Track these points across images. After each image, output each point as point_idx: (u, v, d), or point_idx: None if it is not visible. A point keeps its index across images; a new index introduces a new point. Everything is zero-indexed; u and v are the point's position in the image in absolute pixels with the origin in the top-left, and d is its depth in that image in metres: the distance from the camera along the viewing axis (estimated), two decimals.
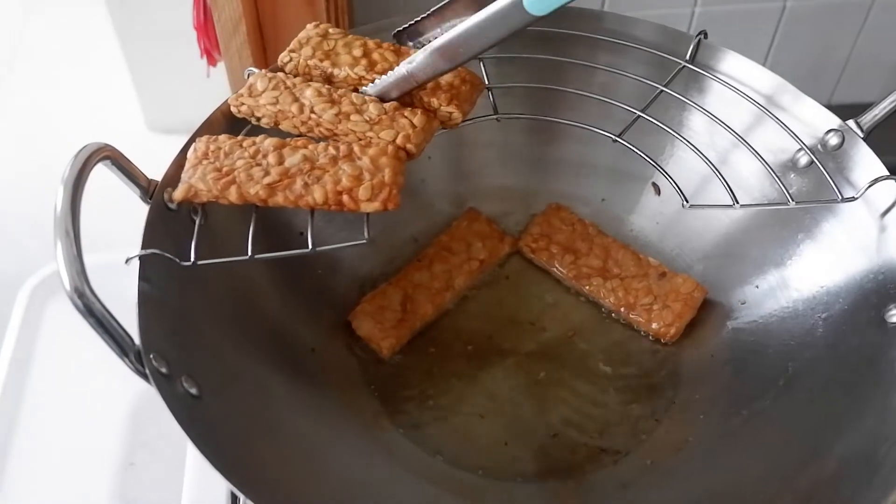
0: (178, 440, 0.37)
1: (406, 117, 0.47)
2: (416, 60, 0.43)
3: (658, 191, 0.58)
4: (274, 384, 0.46)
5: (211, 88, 0.82)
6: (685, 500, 0.44)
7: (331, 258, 0.55)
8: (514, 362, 0.54)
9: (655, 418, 0.50)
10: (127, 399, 0.63)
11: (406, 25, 0.49)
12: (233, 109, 0.48)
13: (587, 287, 0.55)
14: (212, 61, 0.80)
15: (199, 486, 0.53)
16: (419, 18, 0.48)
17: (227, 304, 0.47)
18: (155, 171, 0.46)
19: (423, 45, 0.44)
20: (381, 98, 0.46)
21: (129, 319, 0.39)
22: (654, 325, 0.53)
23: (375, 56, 0.48)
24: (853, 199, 0.46)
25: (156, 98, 0.93)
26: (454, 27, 0.41)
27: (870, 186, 0.45)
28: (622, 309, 0.54)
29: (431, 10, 0.46)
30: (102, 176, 0.44)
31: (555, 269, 0.57)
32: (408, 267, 0.57)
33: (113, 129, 0.95)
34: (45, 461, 0.59)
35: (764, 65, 0.88)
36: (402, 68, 0.44)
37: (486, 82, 0.51)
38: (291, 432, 0.44)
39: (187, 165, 0.45)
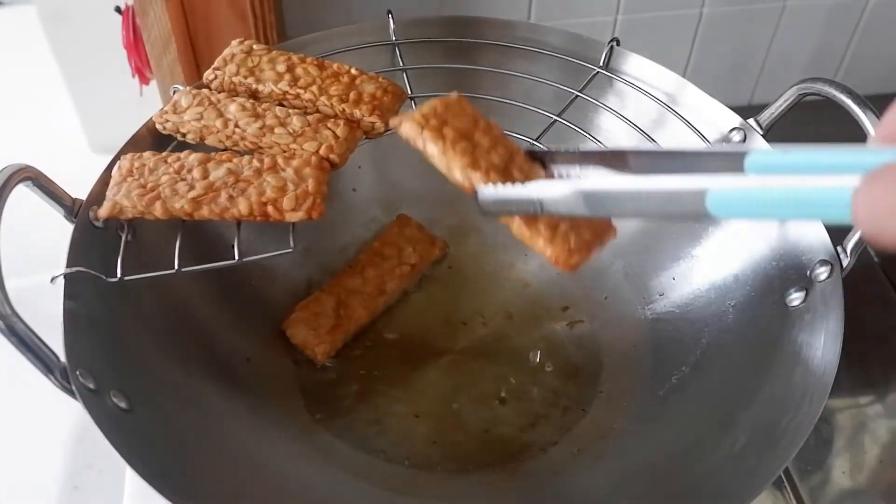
0: (122, 460, 0.38)
1: (329, 129, 0.48)
2: (553, 191, 0.34)
3: None
4: (209, 394, 0.47)
5: (148, 107, 0.82)
6: (610, 482, 0.46)
7: (265, 268, 0.56)
8: (447, 361, 0.55)
9: (582, 408, 0.52)
10: (71, 420, 0.63)
11: (548, 150, 0.40)
12: (158, 126, 0.49)
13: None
14: (143, 80, 0.81)
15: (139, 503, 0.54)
16: (564, 150, 0.39)
17: (160, 318, 0.48)
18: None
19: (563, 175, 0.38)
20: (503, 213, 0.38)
21: (57, 340, 0.40)
22: (557, 248, 0.38)
23: (299, 71, 0.50)
24: None
25: (97, 119, 0.93)
26: (608, 178, 0.34)
27: None
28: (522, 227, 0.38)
29: (582, 148, 0.37)
30: (29, 197, 0.44)
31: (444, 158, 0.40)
32: (341, 273, 0.58)
33: (55, 151, 0.94)
34: None
35: (686, 68, 0.92)
36: (533, 192, 0.35)
37: (409, 92, 0.53)
38: (227, 441, 0.45)
39: (112, 183, 0.45)
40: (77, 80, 0.89)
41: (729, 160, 0.29)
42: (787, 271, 0.47)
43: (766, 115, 0.50)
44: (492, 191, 0.37)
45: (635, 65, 0.56)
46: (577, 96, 0.54)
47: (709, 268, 0.53)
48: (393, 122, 0.42)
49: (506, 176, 0.38)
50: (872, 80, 0.97)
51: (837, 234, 0.46)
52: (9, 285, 0.57)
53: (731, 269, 0.51)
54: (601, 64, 0.56)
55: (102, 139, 0.94)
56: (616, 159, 0.35)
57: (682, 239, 0.55)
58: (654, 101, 0.53)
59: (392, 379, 0.54)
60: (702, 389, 0.48)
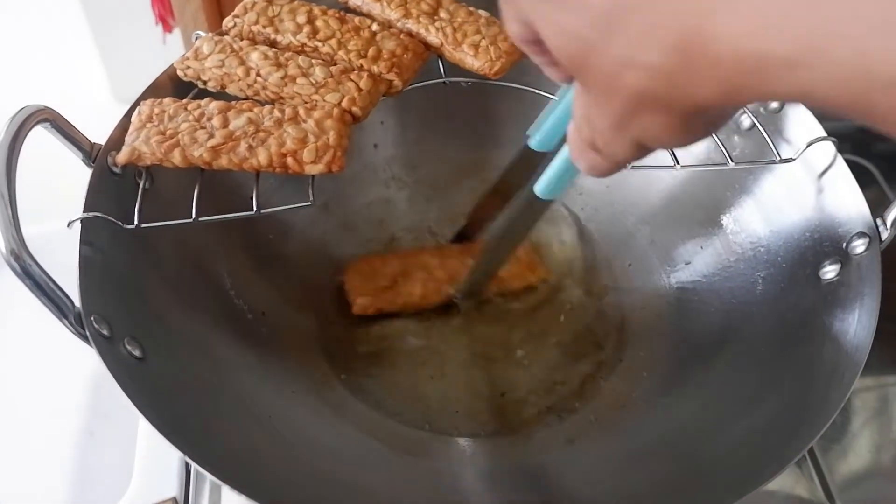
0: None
1: (353, 80, 0.47)
2: None
3: None
4: (223, 346, 0.47)
5: (172, 56, 0.81)
6: (626, 453, 0.45)
7: (283, 222, 0.55)
8: (462, 321, 0.54)
9: (601, 377, 0.52)
10: (88, 369, 0.63)
11: None
12: (179, 73, 0.48)
13: (414, 25, 0.49)
14: (167, 27, 0.80)
15: (151, 452, 0.53)
16: None
17: (176, 267, 0.47)
18: None
19: None
20: None
21: (74, 285, 0.39)
22: (480, 62, 0.47)
23: (319, 23, 0.48)
24: (791, 160, 0.46)
25: (122, 67, 0.92)
26: None
27: (807, 147, 0.46)
28: (449, 46, 0.48)
29: None
30: (49, 141, 0.44)
31: (384, 13, 0.50)
32: (428, 246, 0.57)
33: (79, 99, 0.94)
34: (3, 431, 0.59)
35: None
36: None
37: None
38: (240, 393, 0.45)
39: (131, 129, 0.44)
40: (102, 29, 0.89)
41: None
42: (822, 243, 0.45)
43: None
44: None
45: None
46: None
47: (738, 237, 0.51)
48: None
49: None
50: None
51: (877, 205, 0.44)
52: (26, 230, 0.56)
53: (761, 239, 0.50)
54: None
55: (126, 88, 0.94)
56: None
57: (710, 207, 0.53)
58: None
59: (408, 339, 0.53)
60: (727, 364, 0.47)
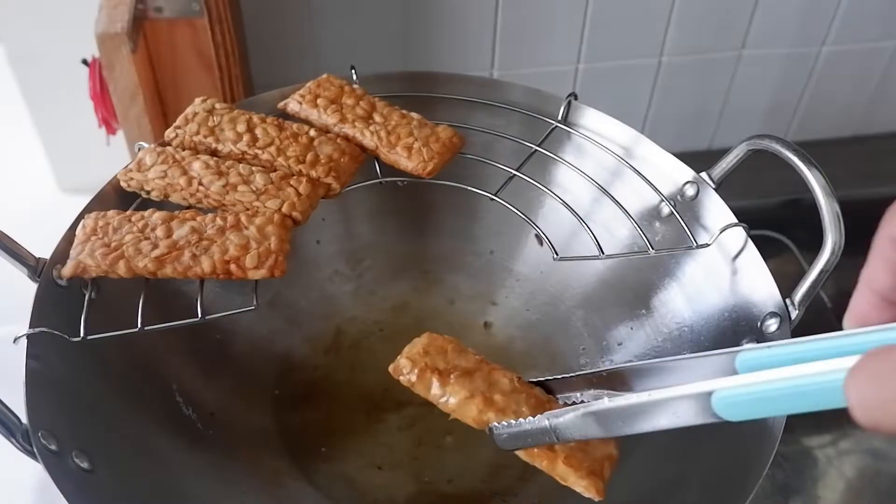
0: None
1: (292, 186, 0.49)
2: (563, 417, 0.36)
3: (541, 241, 0.62)
4: (172, 451, 0.47)
5: (118, 150, 0.83)
6: None
7: (229, 322, 0.56)
8: (409, 413, 0.56)
9: None
10: (34, 478, 0.62)
11: (551, 378, 0.43)
12: (122, 184, 0.50)
13: (350, 129, 0.52)
14: (110, 130, 0.81)
15: None
16: (566, 377, 0.42)
17: (123, 375, 0.48)
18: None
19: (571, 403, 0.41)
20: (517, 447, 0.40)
21: (18, 396, 0.40)
22: (413, 163, 0.51)
23: (258, 131, 0.51)
24: (706, 245, 0.50)
25: (65, 159, 0.93)
26: (614, 398, 0.34)
27: (721, 233, 0.50)
28: (384, 149, 0.51)
29: (581, 372, 0.40)
30: None
31: (320, 118, 0.53)
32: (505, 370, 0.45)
33: (23, 188, 0.94)
34: None
35: (646, 115, 0.95)
36: (545, 421, 0.37)
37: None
38: (191, 498, 0.45)
39: (76, 242, 0.46)
40: (45, 120, 0.90)
41: (722, 362, 0.31)
42: (740, 323, 0.48)
43: (718, 170, 0.52)
44: (506, 427, 0.40)
45: (593, 118, 0.57)
46: (535, 150, 0.55)
47: (665, 318, 0.54)
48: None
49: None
50: (827, 125, 1.00)
51: (787, 285, 0.47)
52: None
53: (686, 320, 0.53)
54: (559, 118, 0.57)
55: (71, 179, 0.95)
56: (616, 380, 0.38)
57: (639, 289, 0.56)
58: (611, 155, 0.55)
59: (354, 431, 0.55)
60: (653, 443, 0.49)
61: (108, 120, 0.80)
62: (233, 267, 0.45)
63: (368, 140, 0.52)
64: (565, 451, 0.39)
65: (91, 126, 0.85)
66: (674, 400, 0.31)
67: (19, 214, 0.93)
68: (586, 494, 0.40)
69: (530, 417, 0.38)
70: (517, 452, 0.40)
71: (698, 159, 0.55)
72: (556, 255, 0.49)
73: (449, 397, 0.42)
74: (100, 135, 0.84)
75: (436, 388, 0.43)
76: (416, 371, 0.44)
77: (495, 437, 0.40)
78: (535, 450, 0.39)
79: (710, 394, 0.29)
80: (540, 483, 0.52)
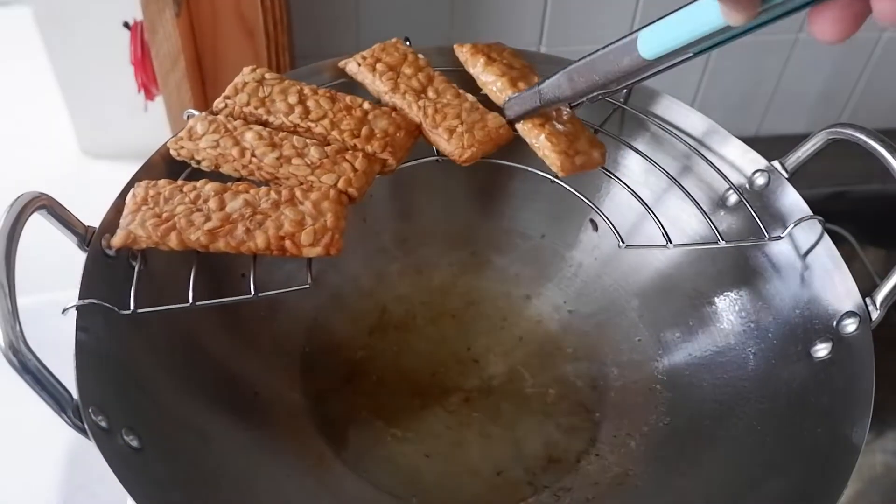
0: (117, 483, 0.36)
1: (347, 161, 0.47)
2: (546, 80, 0.46)
3: (595, 227, 0.60)
4: (218, 430, 0.46)
5: (149, 117, 0.82)
6: None
7: (272, 300, 0.55)
8: (458, 399, 0.54)
9: (596, 453, 0.51)
10: (64, 439, 0.61)
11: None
12: (172, 152, 0.48)
13: (399, 100, 0.50)
14: (149, 96, 0.80)
15: None
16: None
17: (170, 352, 0.46)
18: (90, 197, 0.45)
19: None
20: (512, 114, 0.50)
21: (66, 366, 0.38)
22: (451, 147, 0.49)
23: (310, 103, 0.49)
24: (779, 237, 0.48)
25: (89, 123, 0.92)
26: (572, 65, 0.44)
27: (794, 226, 0.47)
28: (427, 126, 0.50)
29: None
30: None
31: (374, 84, 0.52)
32: None
33: (46, 153, 0.93)
34: None
35: (695, 98, 0.92)
36: (535, 87, 0.47)
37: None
38: (237, 479, 0.44)
39: (126, 211, 0.44)
40: (71, 85, 0.88)
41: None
42: (812, 321, 0.46)
43: (793, 159, 0.50)
44: (514, 96, 0.49)
45: (655, 101, 0.55)
46: (596, 131, 0.53)
47: (728, 313, 0.52)
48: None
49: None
50: (879, 115, 0.97)
51: (866, 285, 0.45)
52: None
53: (751, 315, 0.51)
54: (621, 100, 0.55)
55: (94, 143, 0.94)
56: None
57: (700, 282, 0.54)
58: (677, 140, 0.52)
59: (402, 418, 0.53)
60: (723, 443, 0.47)
61: (148, 85, 0.78)
62: (287, 243, 0.43)
63: (414, 115, 0.50)
64: (553, 131, 0.48)
65: (118, 95, 0.83)
66: (612, 51, 0.40)
67: (44, 178, 0.93)
68: (553, 168, 0.48)
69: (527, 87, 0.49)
70: (518, 127, 0.50)
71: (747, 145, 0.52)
72: (622, 242, 0.47)
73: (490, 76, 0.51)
74: (125, 98, 0.82)
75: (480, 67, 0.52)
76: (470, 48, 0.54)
77: (506, 107, 0.50)
78: (531, 122, 0.49)
79: (635, 39, 0.38)
80: (592, 479, 0.50)
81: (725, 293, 0.53)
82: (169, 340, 0.47)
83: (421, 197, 0.61)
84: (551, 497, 0.49)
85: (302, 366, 0.54)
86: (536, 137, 0.48)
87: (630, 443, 0.51)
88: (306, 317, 0.57)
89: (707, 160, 0.51)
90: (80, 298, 0.41)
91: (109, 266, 0.44)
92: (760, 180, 0.51)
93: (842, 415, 0.41)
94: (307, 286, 0.43)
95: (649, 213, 0.47)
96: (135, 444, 0.38)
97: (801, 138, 0.50)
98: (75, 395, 0.37)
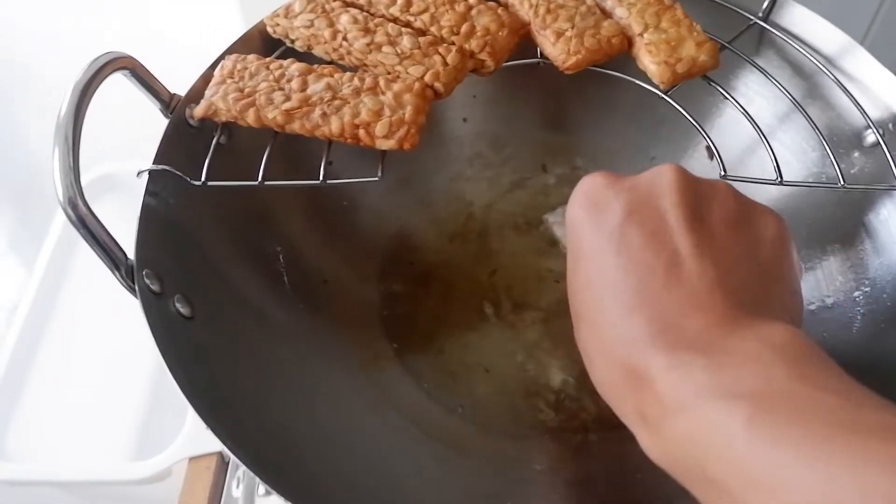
0: None
1: (440, 54, 0.44)
2: None
3: (711, 155, 0.54)
4: (277, 312, 0.46)
5: None
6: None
7: (356, 192, 0.54)
8: (529, 317, 0.52)
9: None
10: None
11: None
12: (268, 29, 0.47)
13: None
14: None
15: None
16: None
17: (240, 229, 0.47)
18: None
19: None
20: None
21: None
22: (557, 51, 0.45)
23: None
24: None
25: None
26: None
27: None
28: (536, 26, 0.46)
29: None
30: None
31: None
32: None
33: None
34: (77, 379, 0.61)
35: (872, 21, 0.81)
36: None
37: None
38: (282, 361, 0.44)
39: (212, 82, 0.44)
40: None
41: None
42: None
43: None
44: None
45: (801, 18, 0.48)
46: (723, 47, 0.47)
47: (842, 265, 0.47)
48: None
49: None
50: None
51: None
52: (105, 169, 0.57)
53: (868, 271, 0.45)
54: (761, 14, 0.49)
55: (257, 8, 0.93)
56: None
57: (816, 226, 0.49)
58: (814, 64, 0.46)
59: (468, 328, 0.51)
60: None
61: None
62: (361, 132, 0.42)
63: (524, 12, 0.47)
64: (653, 40, 0.44)
65: None
66: None
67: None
68: (654, 81, 0.44)
69: None
70: None
71: None
72: (725, 172, 0.42)
73: None
74: None
75: None
76: None
77: None
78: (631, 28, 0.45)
79: None
80: None
81: (842, 242, 0.47)
82: (241, 219, 0.47)
83: (527, 103, 0.58)
84: (611, 424, 0.47)
85: (376, 262, 0.54)
86: (634, 47, 0.45)
87: None
88: (388, 214, 0.56)
89: (846, 90, 0.45)
90: (154, 163, 0.41)
91: (192, 136, 0.44)
92: None
93: None
94: (376, 179, 0.41)
95: (763, 142, 0.42)
96: (186, 312, 0.39)
97: None
98: (132, 255, 0.38)
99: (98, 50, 0.42)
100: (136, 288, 0.37)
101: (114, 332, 0.62)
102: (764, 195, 0.51)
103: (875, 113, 0.44)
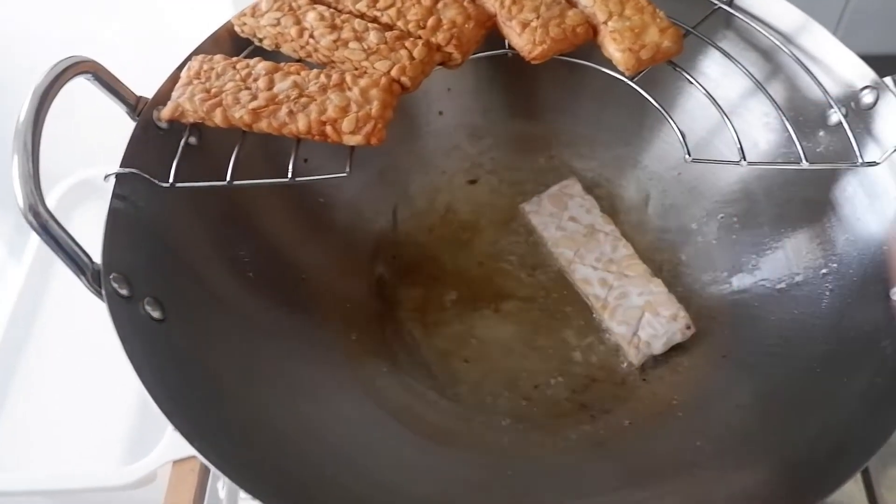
0: None
1: (406, 48, 0.45)
2: None
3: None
4: (254, 312, 0.46)
5: None
6: (655, 462, 0.43)
7: (332, 188, 0.54)
8: (509, 307, 0.52)
9: (643, 378, 0.49)
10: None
11: None
12: (236, 28, 0.47)
13: None
14: None
15: None
16: None
17: (213, 228, 0.47)
18: None
19: None
20: None
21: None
22: (523, 41, 0.45)
23: None
24: (874, 163, 0.42)
25: None
26: None
27: (894, 151, 0.41)
28: (502, 18, 0.46)
29: None
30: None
31: None
32: None
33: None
34: (69, 384, 0.61)
35: (845, 7, 0.81)
36: None
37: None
38: (261, 359, 0.44)
39: (179, 83, 0.44)
40: None
41: None
42: None
43: None
44: None
45: (766, 4, 0.48)
46: (688, 33, 0.48)
47: (810, 242, 0.47)
48: None
49: None
50: None
51: None
52: (75, 178, 0.57)
53: (835, 248, 0.45)
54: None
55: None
56: None
57: (786, 207, 0.49)
58: (776, 46, 0.46)
59: (448, 319, 0.52)
60: (777, 378, 0.43)
61: None
62: (328, 129, 0.42)
63: (491, 3, 0.47)
64: (617, 27, 0.44)
65: None
66: None
67: None
68: (619, 68, 0.44)
69: None
70: None
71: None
72: (689, 155, 0.42)
73: None
74: None
75: None
76: None
77: None
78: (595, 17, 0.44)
79: None
80: (633, 403, 0.47)
81: (810, 221, 0.47)
82: (213, 219, 0.47)
83: (501, 94, 0.58)
84: (587, 416, 0.47)
85: (356, 257, 0.54)
86: (600, 35, 0.45)
87: (679, 371, 0.48)
88: (367, 209, 0.56)
89: (808, 70, 0.45)
90: (122, 167, 0.41)
91: (161, 139, 0.44)
92: (868, 98, 0.44)
93: None
94: (344, 175, 0.42)
95: (726, 123, 0.42)
96: (156, 314, 0.39)
97: None
98: (98, 259, 0.38)
99: (99, 50, 0.42)
100: (103, 292, 0.37)
101: (96, 339, 0.61)
102: (732, 176, 0.52)
103: (836, 90, 0.45)
